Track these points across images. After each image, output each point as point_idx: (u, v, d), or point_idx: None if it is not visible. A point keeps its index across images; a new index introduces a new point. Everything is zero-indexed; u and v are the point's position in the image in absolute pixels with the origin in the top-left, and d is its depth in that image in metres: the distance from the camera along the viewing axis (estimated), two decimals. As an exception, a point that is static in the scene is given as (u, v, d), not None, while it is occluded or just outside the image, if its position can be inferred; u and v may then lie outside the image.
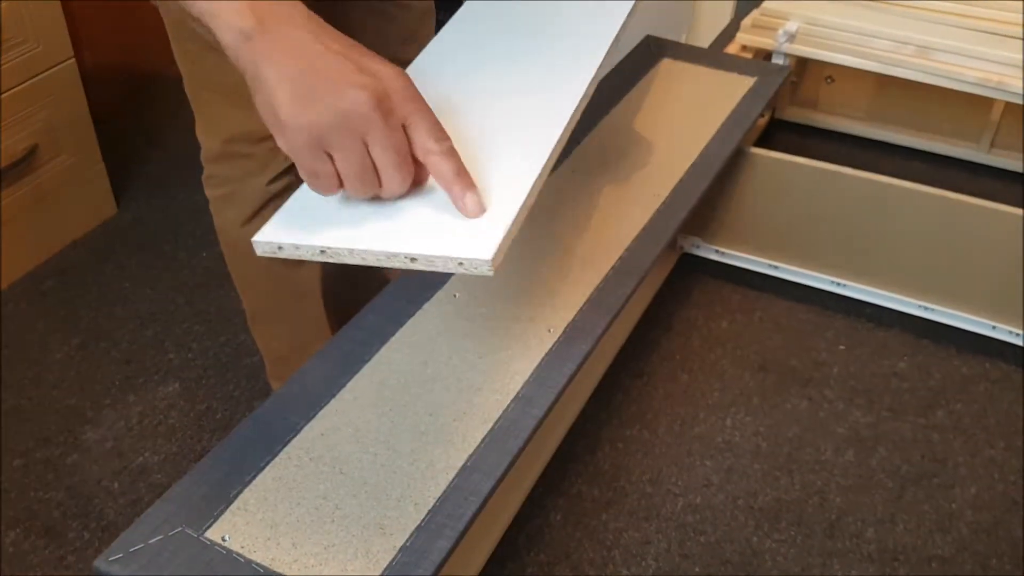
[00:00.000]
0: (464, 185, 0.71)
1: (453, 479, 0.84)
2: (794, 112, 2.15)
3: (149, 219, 1.88)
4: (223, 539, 0.78)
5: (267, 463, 0.84)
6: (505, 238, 0.70)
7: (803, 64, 1.93)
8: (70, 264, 1.77)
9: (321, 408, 0.91)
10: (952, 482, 1.39)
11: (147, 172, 2.04)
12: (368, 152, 0.66)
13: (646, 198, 1.22)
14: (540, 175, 0.78)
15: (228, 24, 0.65)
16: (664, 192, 1.25)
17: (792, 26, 1.70)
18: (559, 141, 0.83)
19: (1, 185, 1.63)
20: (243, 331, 1.60)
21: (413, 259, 0.69)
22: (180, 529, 0.79)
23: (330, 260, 0.71)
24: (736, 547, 1.29)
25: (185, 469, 1.36)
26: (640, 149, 1.34)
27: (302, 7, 0.67)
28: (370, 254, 0.70)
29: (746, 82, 1.56)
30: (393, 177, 0.69)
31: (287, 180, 1.15)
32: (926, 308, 1.63)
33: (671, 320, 1.67)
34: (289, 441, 0.87)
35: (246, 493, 0.82)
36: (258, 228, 1.04)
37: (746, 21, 1.77)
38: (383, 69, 0.67)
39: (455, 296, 1.05)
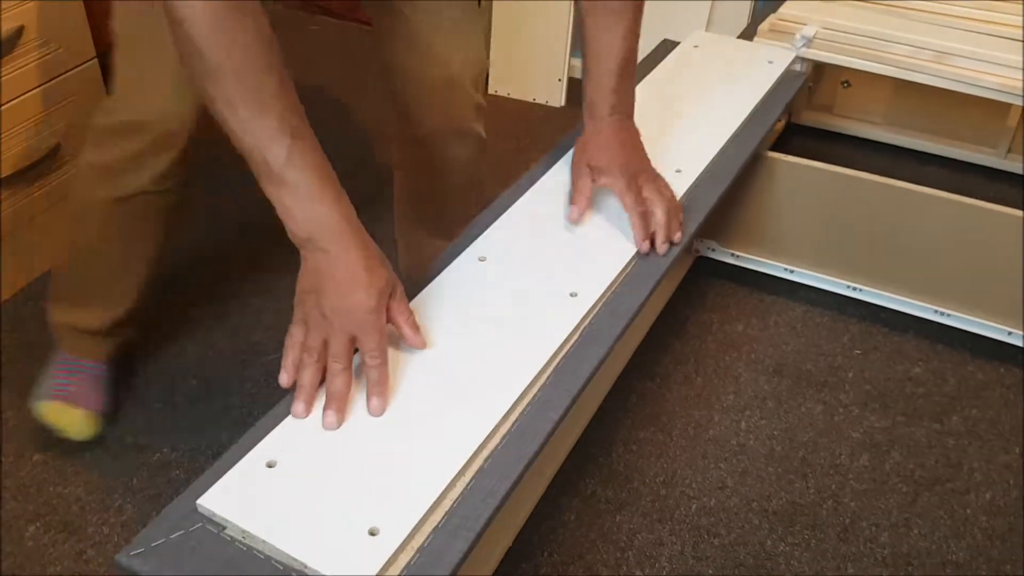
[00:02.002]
0: (375, 393, 0.89)
1: (470, 481, 0.85)
2: (811, 116, 2.15)
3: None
4: (243, 535, 0.79)
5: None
6: (386, 564, 0.77)
7: (820, 68, 1.93)
8: (90, 262, 1.79)
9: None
10: (967, 487, 1.39)
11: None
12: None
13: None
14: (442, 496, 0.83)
15: (290, 229, 0.88)
16: (680, 195, 1.25)
17: (809, 30, 1.70)
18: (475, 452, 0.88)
19: (24, 184, 1.65)
20: (260, 329, 1.61)
21: (305, 567, 0.77)
22: (200, 525, 0.80)
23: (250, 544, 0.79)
24: (750, 550, 1.30)
25: (204, 465, 1.37)
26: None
27: (347, 231, 0.88)
28: (270, 548, 0.78)
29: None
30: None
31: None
32: (941, 313, 1.63)
33: (686, 323, 1.68)
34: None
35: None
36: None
37: (763, 25, 1.77)
38: (361, 305, 0.88)
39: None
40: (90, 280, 1.37)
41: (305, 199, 0.87)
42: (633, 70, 1.18)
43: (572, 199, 1.17)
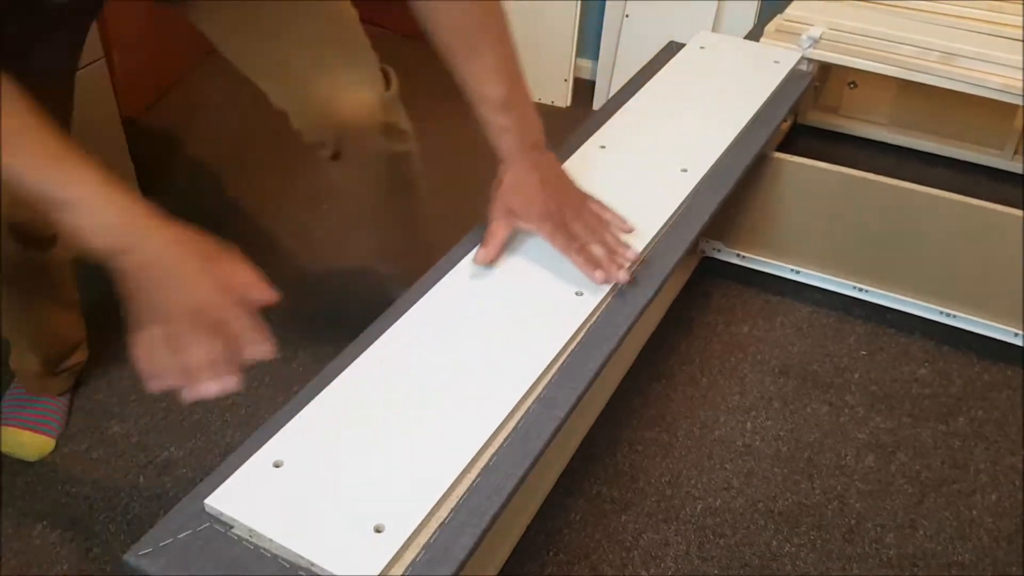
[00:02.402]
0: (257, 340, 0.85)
1: (476, 478, 0.85)
2: (817, 117, 2.15)
3: (176, 219, 1.90)
4: (250, 534, 0.79)
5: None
6: (392, 560, 0.77)
7: (826, 69, 1.93)
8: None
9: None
10: (972, 489, 1.39)
11: (174, 173, 2.06)
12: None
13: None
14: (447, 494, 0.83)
15: (96, 247, 0.83)
16: (686, 195, 1.25)
17: (815, 31, 1.70)
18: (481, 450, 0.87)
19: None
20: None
21: (312, 564, 0.77)
22: (208, 524, 0.80)
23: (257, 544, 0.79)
24: (755, 550, 1.30)
25: (210, 464, 1.37)
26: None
27: (148, 219, 0.86)
28: (277, 547, 0.78)
29: (769, 87, 1.56)
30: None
31: None
32: (948, 314, 1.63)
33: (692, 324, 1.68)
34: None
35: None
36: None
37: (769, 26, 1.77)
38: (195, 274, 0.86)
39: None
40: (7, 328, 1.38)
41: (97, 208, 0.83)
42: (522, 88, 1.06)
43: (484, 241, 1.08)
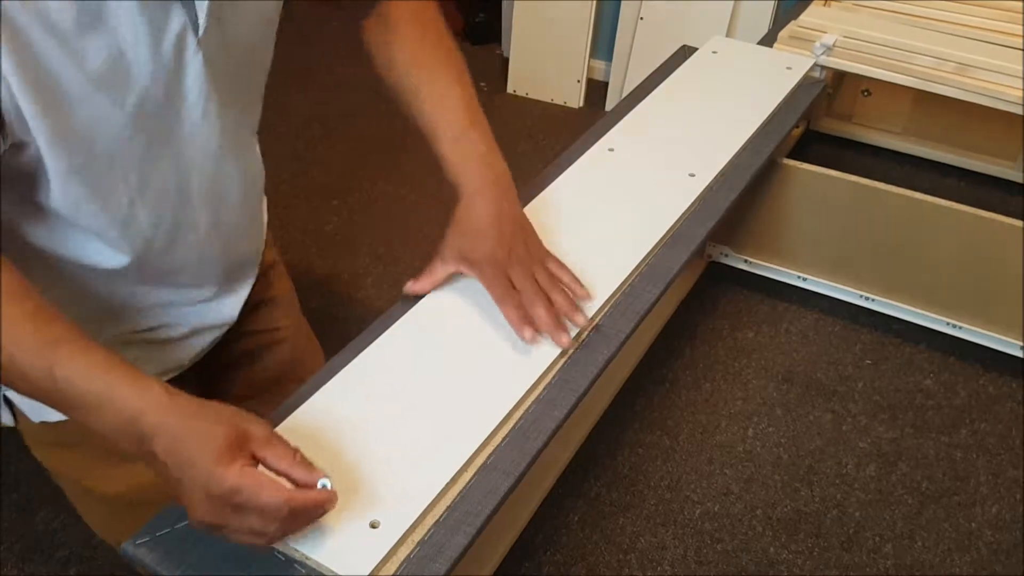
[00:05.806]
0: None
1: (473, 477, 0.86)
2: (829, 124, 2.15)
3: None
4: (247, 526, 0.80)
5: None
6: (386, 556, 0.78)
7: (839, 77, 1.92)
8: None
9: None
10: (973, 501, 1.39)
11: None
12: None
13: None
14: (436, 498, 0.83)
15: (123, 447, 0.71)
16: (694, 200, 1.25)
17: (829, 39, 1.69)
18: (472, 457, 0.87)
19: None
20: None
21: (306, 558, 0.77)
22: (206, 514, 0.81)
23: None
24: (753, 556, 1.30)
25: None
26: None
27: (159, 410, 0.72)
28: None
29: (781, 93, 1.56)
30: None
31: None
32: (954, 326, 1.63)
33: (697, 328, 1.68)
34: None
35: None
36: None
37: (783, 32, 1.77)
38: (217, 479, 0.70)
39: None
40: None
41: (109, 406, 0.71)
42: (484, 125, 1.00)
43: (423, 274, 1.03)
